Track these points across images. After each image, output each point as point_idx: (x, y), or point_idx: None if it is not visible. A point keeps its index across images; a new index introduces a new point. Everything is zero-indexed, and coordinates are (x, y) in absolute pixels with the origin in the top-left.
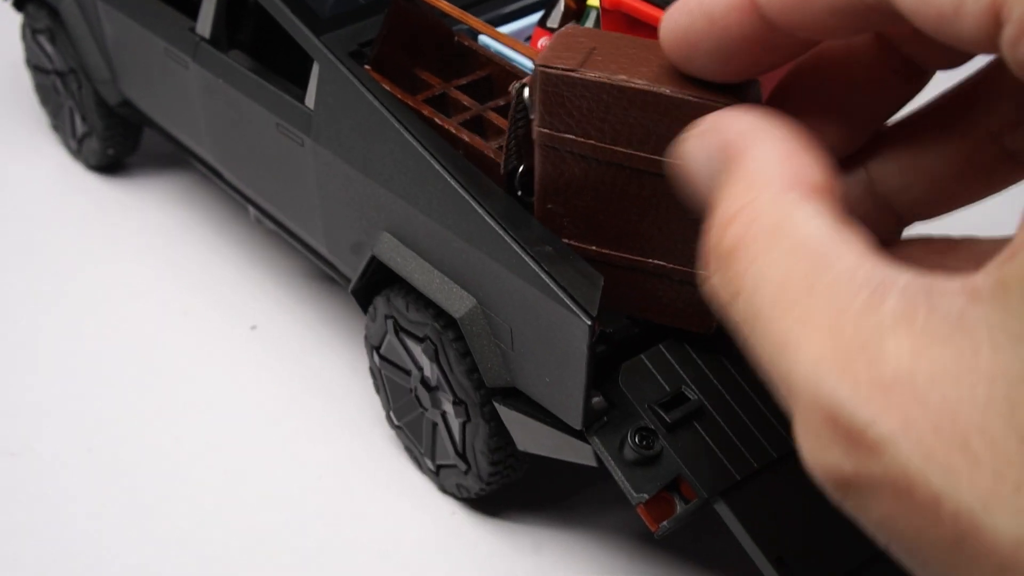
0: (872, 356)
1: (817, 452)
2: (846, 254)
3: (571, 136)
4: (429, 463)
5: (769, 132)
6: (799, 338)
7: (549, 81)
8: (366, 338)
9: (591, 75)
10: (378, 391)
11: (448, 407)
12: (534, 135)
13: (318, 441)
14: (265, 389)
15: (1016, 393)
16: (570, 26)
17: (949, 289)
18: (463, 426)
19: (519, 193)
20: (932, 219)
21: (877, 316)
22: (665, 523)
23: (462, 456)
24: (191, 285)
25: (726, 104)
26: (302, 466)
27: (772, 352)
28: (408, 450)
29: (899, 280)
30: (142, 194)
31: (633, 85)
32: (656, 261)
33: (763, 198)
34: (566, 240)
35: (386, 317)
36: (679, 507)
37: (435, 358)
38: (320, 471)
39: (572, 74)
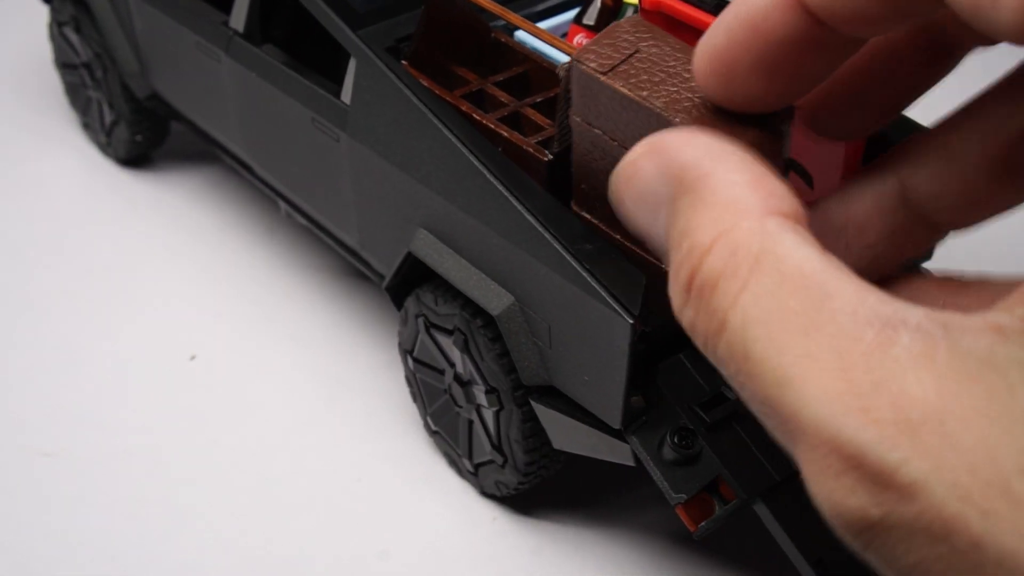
0: (894, 396)
1: (837, 495)
2: (844, 287)
3: (600, 132)
4: (468, 464)
5: (729, 156)
6: (803, 376)
7: (580, 77)
8: (400, 344)
9: (615, 84)
10: (415, 399)
11: (482, 398)
12: (569, 119)
13: (356, 444)
14: (301, 390)
15: None
16: (632, 17)
17: (971, 326)
18: (497, 415)
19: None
20: (966, 228)
21: (891, 354)
22: (704, 523)
23: (498, 448)
24: (224, 285)
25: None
26: (339, 470)
27: (770, 390)
28: (447, 455)
29: (910, 317)
30: (171, 190)
31: (648, 104)
32: (666, 266)
33: (743, 226)
34: (595, 221)
35: (416, 316)
36: (718, 508)
37: (465, 348)
38: (359, 473)
39: (598, 76)
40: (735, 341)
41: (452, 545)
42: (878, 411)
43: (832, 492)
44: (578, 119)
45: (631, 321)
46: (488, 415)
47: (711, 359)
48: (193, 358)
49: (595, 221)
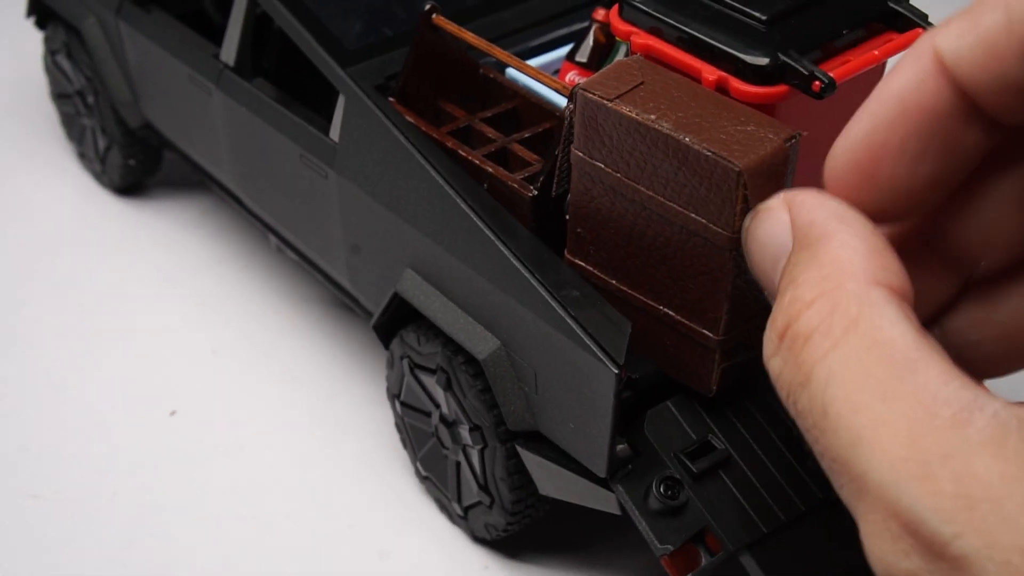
0: (958, 472)
1: (891, 558)
2: (931, 367)
3: (601, 165)
4: (457, 508)
5: (853, 224)
6: (874, 439)
7: (587, 105)
8: (388, 390)
9: (623, 108)
10: (405, 446)
11: (466, 437)
12: (571, 156)
13: (348, 487)
14: (294, 428)
15: None
16: (635, 56)
17: None
18: (482, 454)
19: (568, 218)
20: (1004, 376)
21: (964, 434)
22: (690, 575)
23: (485, 488)
24: (217, 319)
25: (739, 162)
26: (331, 515)
27: (843, 448)
28: (437, 501)
29: (988, 405)
30: (165, 219)
31: (657, 127)
32: (666, 310)
33: (847, 288)
34: (590, 267)
35: (401, 358)
36: (704, 559)
37: (448, 386)
38: (350, 519)
39: (606, 103)
40: (816, 396)
41: None
42: (940, 483)
43: (886, 554)
44: (580, 154)
45: (616, 370)
46: (474, 455)
47: (790, 410)
48: (173, 413)
49: (590, 267)
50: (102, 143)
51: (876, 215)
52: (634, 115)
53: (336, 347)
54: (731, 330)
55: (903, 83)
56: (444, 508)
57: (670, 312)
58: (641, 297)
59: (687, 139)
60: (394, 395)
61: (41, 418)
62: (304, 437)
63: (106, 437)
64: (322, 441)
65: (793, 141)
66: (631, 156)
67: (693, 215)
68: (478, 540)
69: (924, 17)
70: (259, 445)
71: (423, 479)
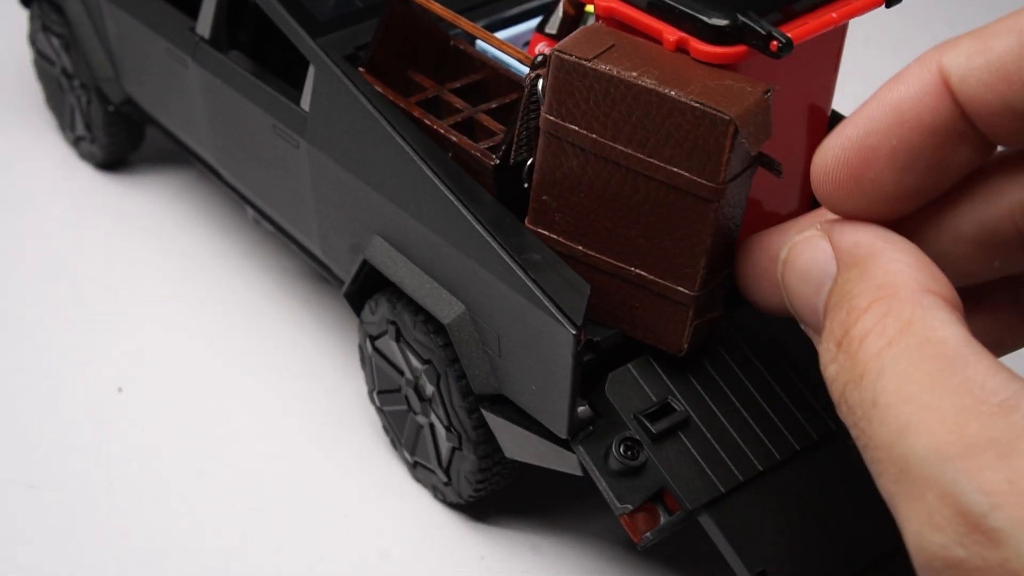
0: (1002, 451)
1: (928, 532)
2: (979, 363)
3: (575, 127)
4: (407, 455)
5: (898, 241)
6: (920, 423)
7: (562, 67)
8: (364, 324)
9: (602, 67)
10: (363, 367)
11: (438, 425)
12: (540, 121)
13: (342, 480)
14: (290, 412)
15: None
16: (597, 23)
17: None
18: (452, 451)
19: (525, 186)
20: None
21: (1009, 420)
22: (648, 534)
23: (445, 471)
24: (203, 298)
25: (728, 111)
26: (326, 506)
27: (889, 434)
28: (385, 429)
29: None
30: (148, 193)
31: (641, 83)
32: (638, 270)
33: (901, 295)
34: (555, 235)
35: (389, 322)
36: (663, 518)
37: (436, 383)
38: (345, 510)
39: (584, 63)
40: (867, 388)
41: (405, 543)
42: (984, 460)
43: (922, 527)
44: (551, 118)
45: (574, 331)
46: (443, 443)
47: (841, 409)
48: (119, 389)
49: (554, 235)
50: (85, 119)
51: (854, 216)
52: (616, 73)
53: (323, 323)
54: (706, 284)
55: (903, 94)
56: (391, 440)
57: (642, 272)
58: (611, 260)
59: (673, 92)
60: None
61: (35, 406)
62: (297, 426)
63: (100, 427)
64: (315, 431)
65: (769, 93)
66: (608, 115)
67: (675, 169)
68: (419, 483)
69: None
70: (249, 431)
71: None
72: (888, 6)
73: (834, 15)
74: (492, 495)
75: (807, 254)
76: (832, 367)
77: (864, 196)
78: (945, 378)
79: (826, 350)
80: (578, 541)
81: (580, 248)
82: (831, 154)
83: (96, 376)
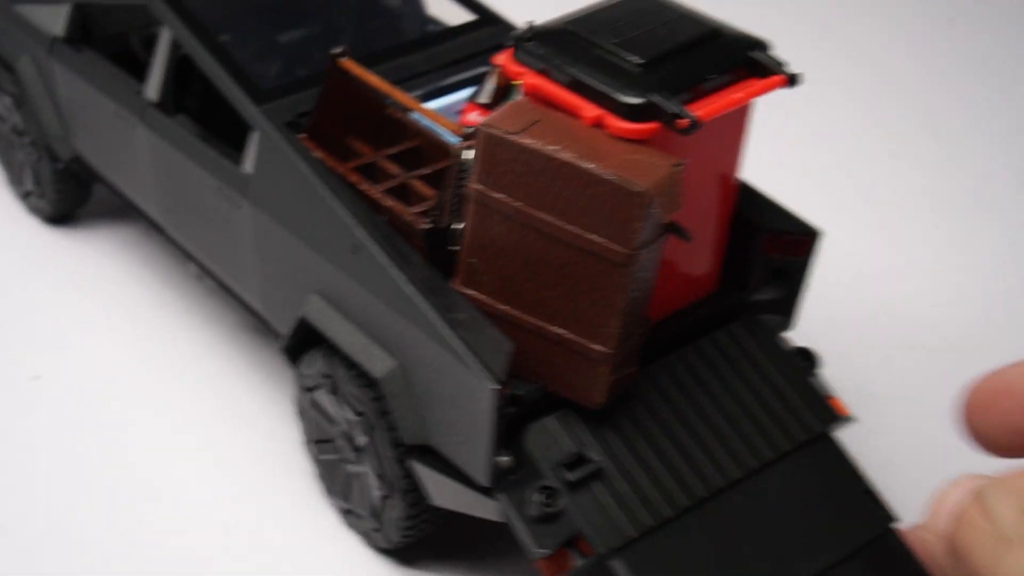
0: None
1: None
2: None
3: (501, 196)
4: (340, 502)
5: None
6: None
7: (490, 141)
8: (300, 376)
9: (527, 141)
10: (298, 418)
11: (370, 474)
12: (468, 190)
13: (272, 522)
14: (228, 459)
15: None
16: (523, 99)
17: None
18: (383, 499)
19: (455, 249)
20: None
21: None
22: None
23: (376, 517)
24: (140, 346)
25: (641, 184)
26: (262, 547)
27: None
28: (321, 480)
29: None
30: (94, 247)
31: (561, 157)
32: (558, 329)
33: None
34: (482, 295)
35: (324, 376)
36: (576, 562)
37: (369, 434)
38: (280, 553)
39: (511, 138)
40: None
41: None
42: None
43: None
44: (480, 187)
45: (494, 386)
46: (375, 492)
47: None
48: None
49: (482, 296)
50: (35, 175)
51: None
52: (537, 147)
53: (263, 378)
54: (621, 343)
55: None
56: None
57: (562, 331)
58: (534, 320)
59: (591, 166)
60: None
61: None
62: (235, 472)
63: (42, 476)
64: (251, 478)
65: (680, 166)
66: (532, 185)
67: (592, 236)
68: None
69: (781, 65)
70: (190, 483)
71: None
72: (791, 86)
73: (740, 95)
74: (419, 541)
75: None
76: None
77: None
78: None
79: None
80: None
81: (505, 308)
82: (985, 386)
83: (33, 424)
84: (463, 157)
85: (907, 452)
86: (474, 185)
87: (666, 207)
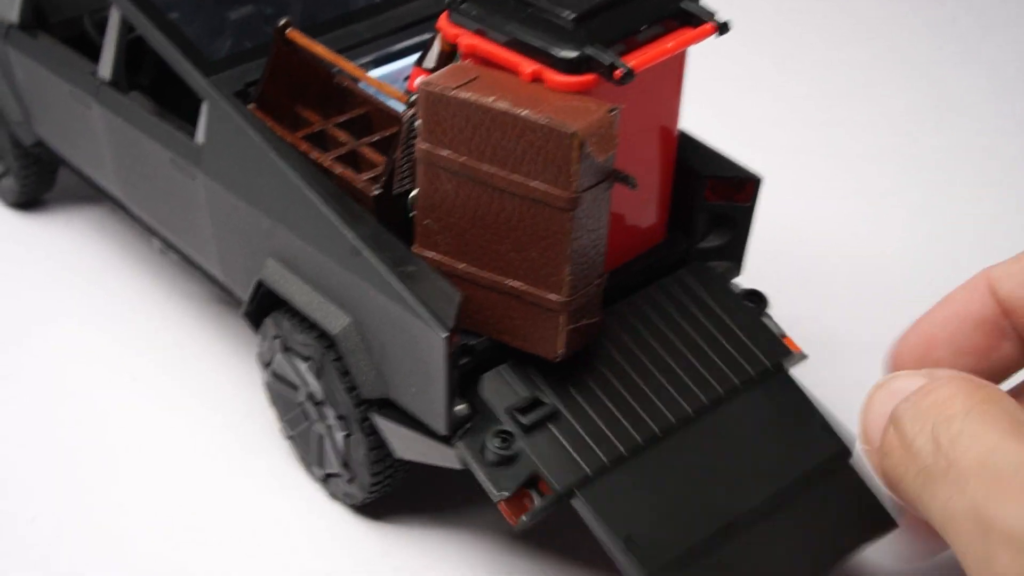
0: None
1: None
2: None
3: (446, 152)
4: (318, 471)
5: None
6: (999, 506)
7: (430, 98)
8: (259, 355)
9: (464, 95)
10: (271, 404)
11: (332, 421)
12: (416, 151)
13: (256, 500)
14: (207, 439)
15: None
16: (465, 61)
17: None
18: (345, 439)
19: (411, 215)
20: None
21: None
22: (523, 517)
23: (346, 467)
24: (107, 321)
25: (573, 126)
26: (243, 524)
27: (977, 499)
28: (301, 459)
29: None
30: (60, 230)
31: (496, 107)
32: (512, 282)
33: (974, 381)
34: (439, 255)
35: (274, 337)
36: (536, 502)
37: (319, 376)
38: (264, 530)
39: (448, 93)
40: (955, 477)
41: (307, 540)
42: None
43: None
44: (425, 146)
45: (445, 334)
46: (338, 436)
47: (914, 498)
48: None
49: (439, 256)
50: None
51: None
52: (474, 99)
53: (238, 352)
54: (575, 291)
55: (960, 295)
56: (307, 468)
57: (515, 283)
58: (488, 275)
59: (524, 112)
60: (265, 363)
61: None
62: (215, 452)
63: (19, 461)
64: (232, 458)
65: (615, 112)
66: (473, 138)
67: (533, 183)
68: (336, 500)
69: (711, 15)
70: (171, 464)
71: (288, 438)
72: (720, 34)
73: (670, 45)
74: (390, 498)
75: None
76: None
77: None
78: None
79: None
80: (469, 533)
81: (463, 267)
82: (907, 341)
83: (19, 412)
84: (412, 122)
85: (856, 385)
86: (421, 145)
87: (600, 148)
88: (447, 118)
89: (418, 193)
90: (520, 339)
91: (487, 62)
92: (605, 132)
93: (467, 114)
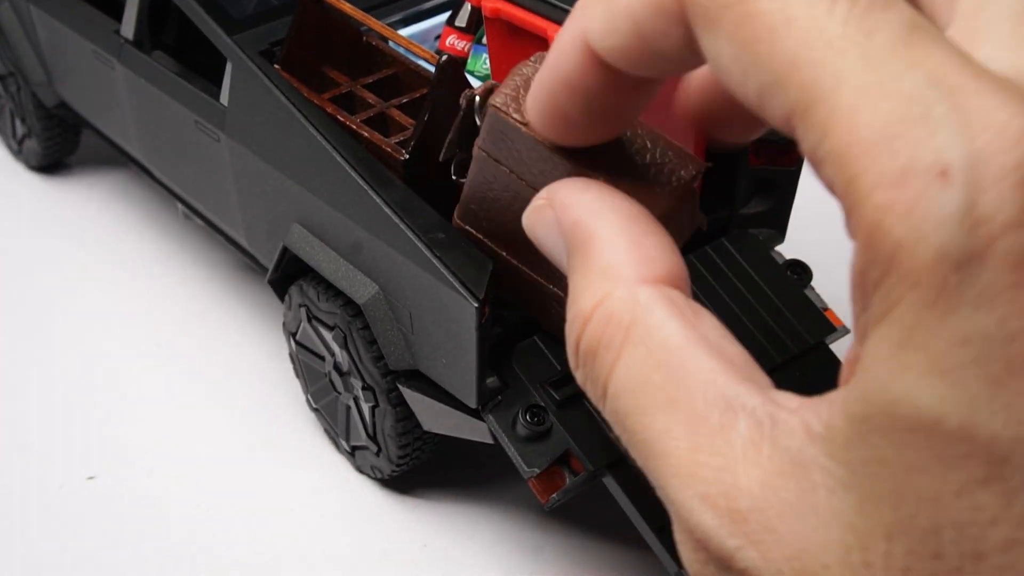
0: (727, 485)
1: (695, 566)
2: (700, 365)
3: (507, 169)
4: (345, 444)
5: (610, 214)
6: (664, 452)
7: (495, 118)
8: (284, 325)
9: (534, 133)
10: (297, 375)
11: (359, 391)
12: (475, 148)
13: (285, 474)
14: (238, 413)
15: (848, 538)
16: (535, 56)
17: (790, 424)
18: (372, 410)
19: (455, 177)
20: None
21: (729, 440)
22: (555, 495)
23: (373, 439)
24: (131, 289)
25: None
26: (273, 498)
27: (642, 458)
28: (327, 432)
29: (748, 402)
30: (85, 194)
31: (559, 158)
32: (555, 289)
33: (616, 294)
34: (479, 235)
35: (300, 306)
36: (568, 480)
37: (344, 345)
38: (292, 504)
39: (513, 122)
40: (611, 410)
41: (334, 514)
42: (718, 499)
43: (690, 560)
44: (484, 153)
45: (476, 304)
46: (365, 407)
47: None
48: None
49: (478, 235)
50: (20, 130)
51: (572, 141)
52: (539, 138)
53: (264, 321)
54: None
55: (558, 61)
56: (333, 440)
57: (557, 291)
58: (533, 275)
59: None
60: (290, 333)
61: None
62: (245, 426)
63: (48, 429)
64: (262, 431)
65: (696, 176)
66: (532, 167)
67: None
68: (363, 473)
69: None
70: (201, 435)
71: (314, 410)
72: None
73: None
74: (417, 473)
75: (540, 228)
76: (579, 374)
77: (571, 127)
78: (673, 392)
79: (570, 356)
80: (497, 509)
81: (503, 254)
82: (534, 114)
83: (48, 379)
84: (472, 105)
85: None
86: (479, 148)
87: (677, 234)
88: (510, 141)
89: (469, 179)
90: (556, 331)
91: (511, 26)
92: (682, 208)
93: (532, 146)
